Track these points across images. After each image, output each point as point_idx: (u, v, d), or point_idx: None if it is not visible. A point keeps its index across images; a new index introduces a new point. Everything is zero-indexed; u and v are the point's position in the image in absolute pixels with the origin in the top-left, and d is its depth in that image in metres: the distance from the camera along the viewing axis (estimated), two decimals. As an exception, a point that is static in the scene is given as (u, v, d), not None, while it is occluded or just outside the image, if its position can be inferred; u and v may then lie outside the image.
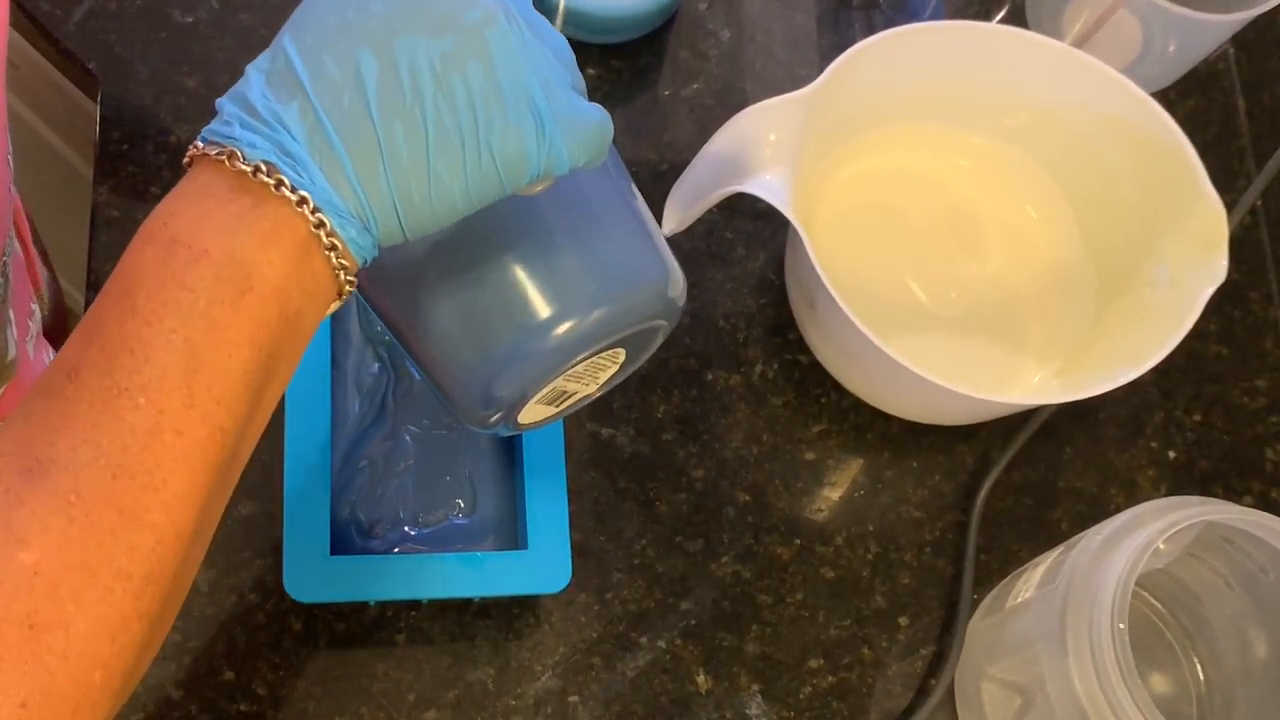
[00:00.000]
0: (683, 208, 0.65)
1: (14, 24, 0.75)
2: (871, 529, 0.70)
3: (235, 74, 0.72)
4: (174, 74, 0.72)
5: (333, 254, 0.40)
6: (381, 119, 0.39)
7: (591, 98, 0.79)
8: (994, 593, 0.67)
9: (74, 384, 0.37)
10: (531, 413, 0.52)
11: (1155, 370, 0.60)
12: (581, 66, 0.75)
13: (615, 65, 0.76)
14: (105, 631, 0.35)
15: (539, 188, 0.43)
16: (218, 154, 0.39)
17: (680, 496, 0.69)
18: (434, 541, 0.64)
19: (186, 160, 0.41)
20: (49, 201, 1.21)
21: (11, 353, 0.56)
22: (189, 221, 0.39)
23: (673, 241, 0.71)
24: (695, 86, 0.77)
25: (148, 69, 0.72)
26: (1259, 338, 0.77)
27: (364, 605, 0.64)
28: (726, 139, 0.63)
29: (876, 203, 0.75)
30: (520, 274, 0.47)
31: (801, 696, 0.66)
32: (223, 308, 0.38)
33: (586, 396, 0.55)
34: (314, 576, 0.61)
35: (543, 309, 0.47)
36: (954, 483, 0.71)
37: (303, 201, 0.38)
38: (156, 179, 0.70)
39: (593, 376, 0.53)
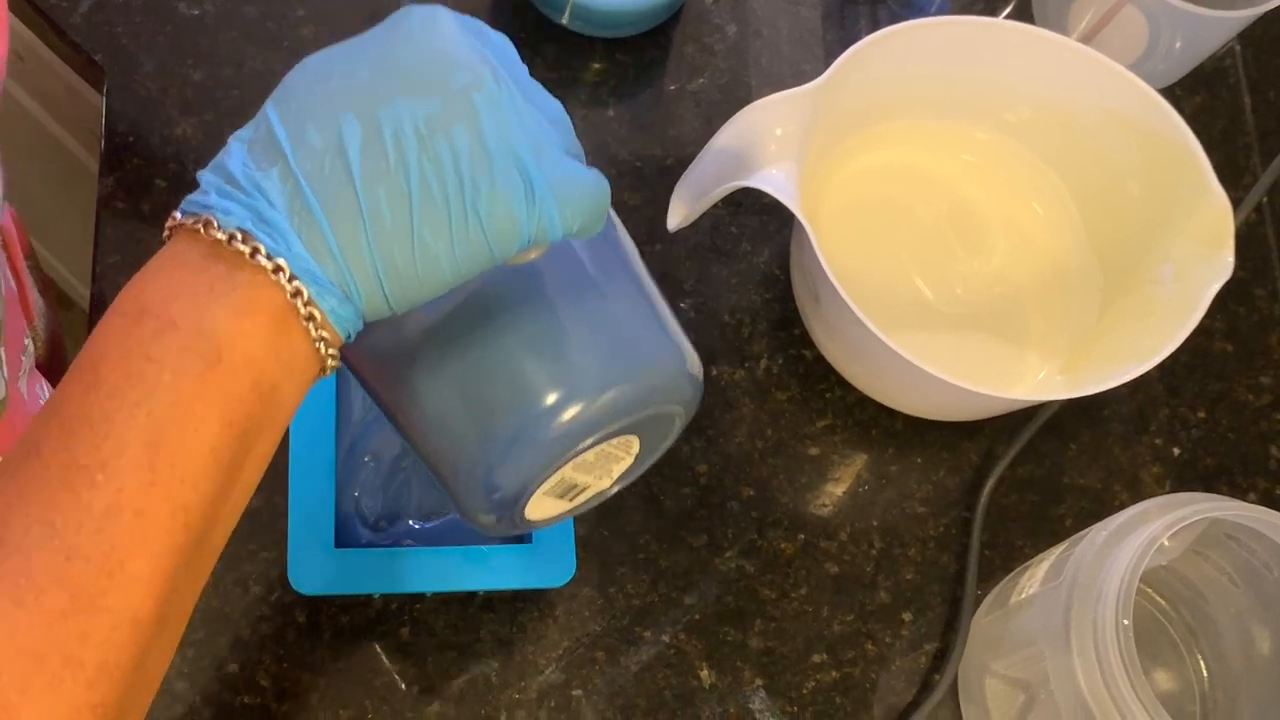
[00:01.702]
0: (688, 202, 0.65)
1: (20, 15, 0.75)
2: (876, 524, 0.70)
3: (241, 67, 0.72)
4: (180, 66, 0.72)
5: (311, 325, 0.38)
6: (364, 184, 0.37)
7: (597, 93, 0.80)
8: (998, 589, 0.67)
9: (33, 461, 0.35)
10: (539, 507, 0.49)
11: (1160, 367, 0.60)
12: (587, 61, 0.76)
13: (621, 60, 0.76)
14: None
15: (531, 255, 0.41)
16: (193, 223, 0.37)
17: (684, 491, 0.69)
18: (438, 535, 0.64)
19: (166, 232, 0.39)
20: (54, 194, 1.21)
21: (1, 392, 0.56)
22: (159, 290, 0.37)
23: (677, 235, 0.71)
24: (701, 81, 0.77)
25: (154, 61, 0.72)
26: (1264, 335, 0.77)
27: (368, 598, 0.64)
28: (732, 134, 0.63)
29: (881, 198, 0.75)
30: (522, 353, 0.44)
31: (805, 691, 0.66)
32: (189, 380, 0.36)
33: (601, 492, 0.52)
34: (318, 569, 0.61)
35: (546, 390, 0.44)
36: (958, 478, 0.71)
37: (278, 269, 0.37)
38: (162, 171, 0.70)
39: (605, 468, 0.50)
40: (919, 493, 0.71)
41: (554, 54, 0.76)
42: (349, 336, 0.39)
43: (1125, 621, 0.52)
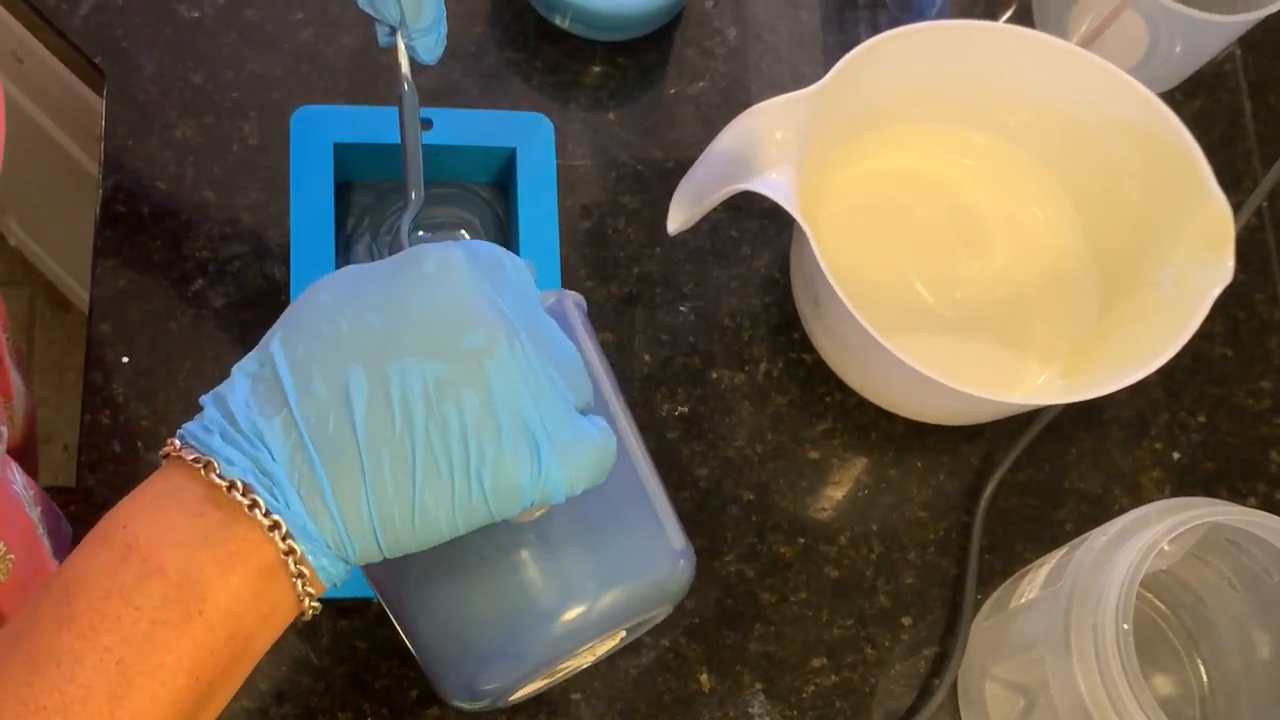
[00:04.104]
0: (688, 206, 0.65)
1: (20, 17, 0.75)
2: (875, 528, 0.70)
3: (241, 70, 0.72)
4: (180, 69, 0.72)
5: (300, 580, 0.38)
6: (368, 445, 0.37)
7: (597, 96, 0.79)
8: (998, 593, 0.67)
9: None
10: (519, 693, 0.50)
11: (1160, 371, 0.60)
12: (587, 65, 0.76)
13: (621, 63, 0.76)
14: None
15: (534, 515, 0.41)
16: (194, 460, 0.37)
17: (684, 495, 0.69)
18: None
19: (163, 454, 0.39)
20: (53, 196, 1.21)
21: None
22: (150, 528, 0.36)
23: (677, 239, 0.71)
24: (701, 85, 0.77)
25: (153, 64, 0.72)
26: (1264, 339, 0.77)
27: (367, 601, 0.64)
28: (732, 137, 0.63)
29: (881, 202, 0.75)
30: (515, 568, 0.44)
31: (804, 695, 0.66)
32: (166, 630, 0.35)
33: (579, 666, 0.52)
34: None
35: (537, 605, 0.44)
36: (958, 482, 0.71)
37: (275, 526, 0.36)
38: (162, 174, 0.70)
39: (589, 653, 0.50)
40: (919, 497, 0.71)
41: (554, 57, 0.76)
42: (335, 586, 0.39)
43: (1125, 626, 0.52)
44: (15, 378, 0.70)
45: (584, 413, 0.41)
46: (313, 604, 0.39)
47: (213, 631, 0.36)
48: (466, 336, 0.37)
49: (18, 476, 0.65)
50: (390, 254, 0.55)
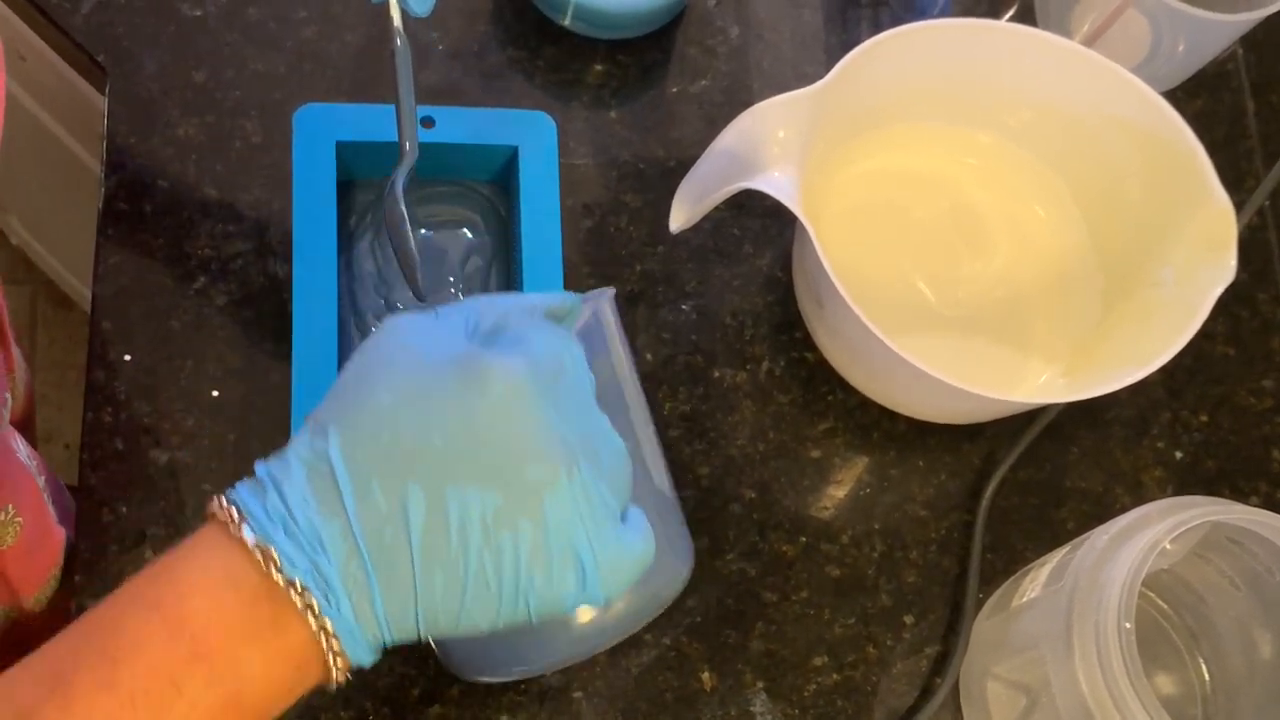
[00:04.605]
0: (690, 204, 0.65)
1: (22, 16, 0.75)
2: (877, 527, 0.70)
3: (243, 68, 0.72)
4: (182, 67, 0.72)
5: (335, 669, 0.39)
6: (422, 564, 0.37)
7: (599, 95, 0.80)
8: (999, 592, 0.67)
9: None
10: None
11: (1162, 370, 0.60)
12: (589, 63, 0.76)
13: (623, 61, 0.76)
14: None
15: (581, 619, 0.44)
16: (255, 544, 0.37)
17: (686, 493, 0.69)
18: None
19: (210, 513, 0.39)
20: (55, 195, 1.21)
21: None
22: (206, 609, 0.37)
23: (679, 237, 0.71)
24: (703, 83, 0.77)
25: (156, 62, 0.72)
26: (1266, 338, 0.77)
27: (369, 600, 0.64)
28: (734, 136, 0.63)
29: (884, 201, 0.75)
30: None
31: (806, 694, 0.66)
32: (202, 714, 0.36)
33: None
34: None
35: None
36: (960, 482, 0.71)
37: (323, 629, 0.37)
38: (164, 172, 0.70)
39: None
40: (921, 495, 0.71)
41: (556, 56, 0.76)
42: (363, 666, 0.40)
43: (1127, 625, 0.52)
44: (16, 351, 0.70)
45: (625, 510, 0.42)
46: (341, 680, 0.40)
47: (244, 715, 0.37)
48: (528, 469, 0.38)
49: (21, 446, 0.66)
50: (386, 218, 0.56)
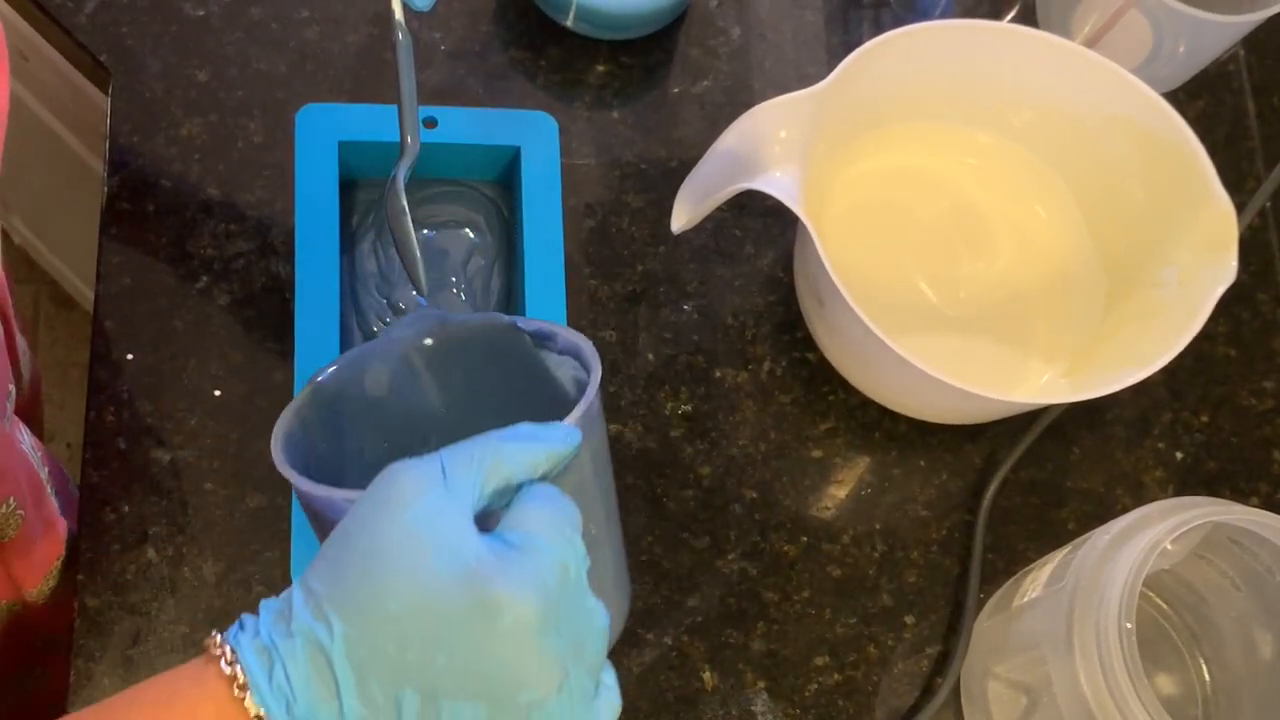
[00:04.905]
0: (692, 205, 0.65)
1: (25, 15, 0.75)
2: (878, 527, 0.70)
3: (245, 68, 0.73)
4: (185, 67, 0.72)
5: None
6: None
7: (601, 95, 0.80)
8: (1000, 592, 0.67)
9: None
10: None
11: (1163, 371, 0.60)
12: (591, 64, 0.76)
13: (625, 62, 0.76)
14: None
15: None
16: (255, 717, 0.39)
17: (687, 493, 0.69)
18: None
19: (217, 654, 0.40)
20: (58, 194, 1.21)
21: None
22: None
23: (681, 237, 0.71)
24: (705, 84, 0.77)
25: (159, 62, 0.72)
26: (1267, 339, 0.77)
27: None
28: (736, 136, 0.63)
29: (885, 201, 0.75)
30: None
31: (807, 694, 0.66)
32: None
33: None
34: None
35: None
36: (961, 482, 0.71)
37: None
38: (167, 172, 0.70)
39: None
40: (922, 496, 0.71)
41: (558, 56, 0.76)
42: None
43: (1128, 625, 0.52)
44: (21, 340, 0.70)
45: (595, 672, 0.43)
46: None
47: None
48: (523, 692, 0.39)
49: (25, 436, 0.66)
50: (387, 212, 0.56)
